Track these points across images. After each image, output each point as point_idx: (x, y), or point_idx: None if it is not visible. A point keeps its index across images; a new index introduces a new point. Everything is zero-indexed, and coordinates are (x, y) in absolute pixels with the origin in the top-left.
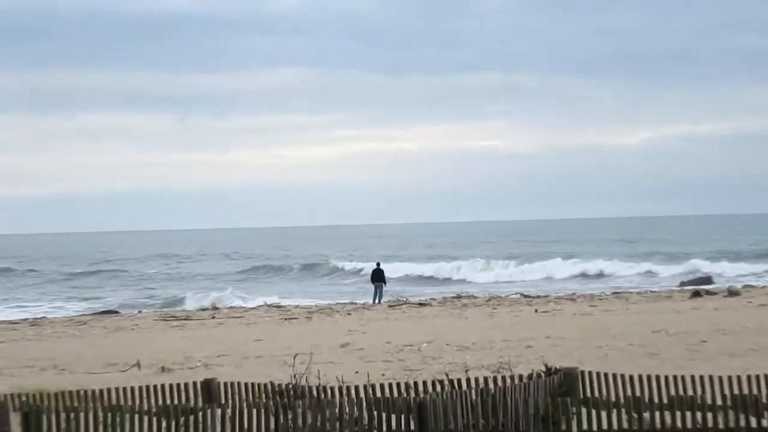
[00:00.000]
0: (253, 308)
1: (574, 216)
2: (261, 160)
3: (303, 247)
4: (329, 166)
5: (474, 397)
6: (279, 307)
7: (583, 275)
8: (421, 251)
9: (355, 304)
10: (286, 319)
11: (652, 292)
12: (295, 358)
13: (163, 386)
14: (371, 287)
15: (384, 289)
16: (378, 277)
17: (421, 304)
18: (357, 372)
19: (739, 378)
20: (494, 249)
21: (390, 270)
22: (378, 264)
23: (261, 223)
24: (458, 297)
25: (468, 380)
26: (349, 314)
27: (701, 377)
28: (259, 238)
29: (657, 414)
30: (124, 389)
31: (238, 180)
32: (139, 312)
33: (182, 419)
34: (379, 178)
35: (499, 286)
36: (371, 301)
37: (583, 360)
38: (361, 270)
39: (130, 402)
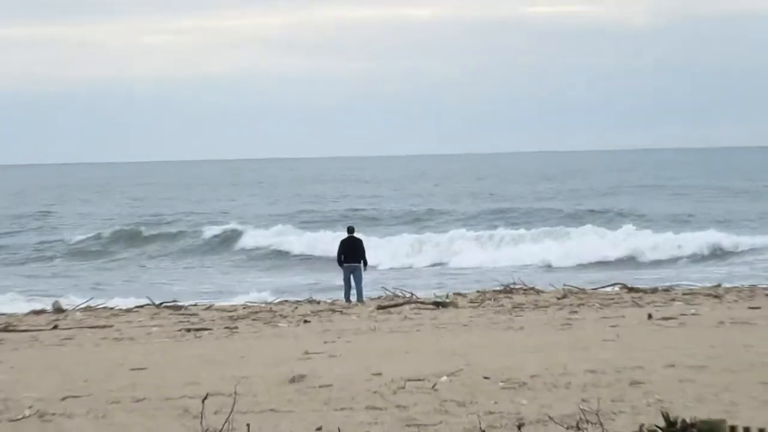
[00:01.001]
0: (130, 310)
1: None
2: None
3: (213, 193)
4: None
5: None
6: (177, 308)
7: (695, 253)
8: (401, 203)
9: (317, 302)
10: (189, 330)
11: None
12: (205, 402)
13: None
14: (338, 273)
15: (363, 273)
16: (352, 252)
17: (438, 304)
18: (320, 430)
19: None
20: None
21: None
22: (350, 230)
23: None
24: (506, 291)
25: None
26: (306, 321)
27: None
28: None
29: None
30: None
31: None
32: None
33: None
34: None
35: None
36: (345, 298)
37: (737, 407)
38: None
39: None
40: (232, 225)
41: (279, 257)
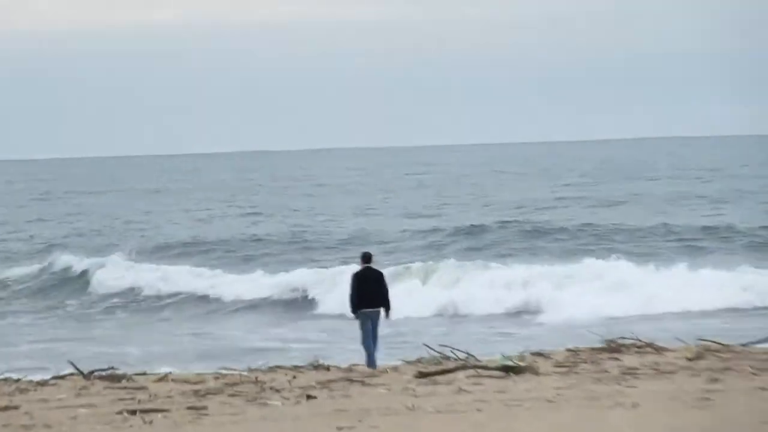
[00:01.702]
0: (44, 382)
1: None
2: None
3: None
4: None
5: None
6: (115, 378)
7: None
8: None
9: (325, 368)
10: (135, 412)
11: None
12: None
13: None
14: (349, 326)
15: (381, 323)
16: (372, 291)
17: (508, 370)
18: None
19: None
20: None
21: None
22: (366, 259)
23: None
24: (611, 348)
25: None
26: (311, 397)
27: None
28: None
29: None
30: None
31: None
32: None
33: None
34: None
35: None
36: (368, 361)
37: None
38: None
39: None
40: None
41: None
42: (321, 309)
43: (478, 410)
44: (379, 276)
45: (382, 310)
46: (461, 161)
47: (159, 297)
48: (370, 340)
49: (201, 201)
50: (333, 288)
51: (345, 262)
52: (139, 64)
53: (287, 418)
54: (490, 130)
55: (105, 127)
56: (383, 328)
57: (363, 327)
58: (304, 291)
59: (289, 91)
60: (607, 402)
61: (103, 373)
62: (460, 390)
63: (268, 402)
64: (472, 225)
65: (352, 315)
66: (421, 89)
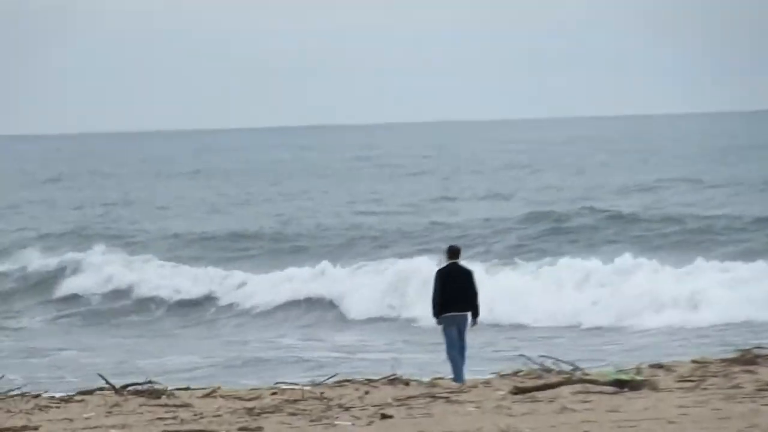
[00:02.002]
0: (69, 398)
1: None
2: None
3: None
4: None
5: None
6: (154, 393)
7: None
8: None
9: (404, 383)
10: None
11: None
12: None
13: None
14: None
15: (468, 327)
16: (459, 292)
17: (621, 384)
18: None
19: None
20: None
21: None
22: (453, 253)
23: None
24: (745, 359)
25: None
26: (386, 417)
27: None
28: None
29: None
30: None
31: None
32: None
33: None
34: None
35: None
36: (455, 374)
37: None
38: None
39: None
40: None
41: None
42: (398, 312)
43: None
44: (467, 274)
45: (469, 315)
46: (547, 137)
47: (178, 299)
48: (456, 349)
49: (252, 185)
50: (405, 286)
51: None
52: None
53: None
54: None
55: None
56: (470, 336)
57: (447, 334)
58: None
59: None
60: (740, 423)
61: (139, 388)
62: (564, 409)
63: (336, 422)
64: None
65: (434, 320)
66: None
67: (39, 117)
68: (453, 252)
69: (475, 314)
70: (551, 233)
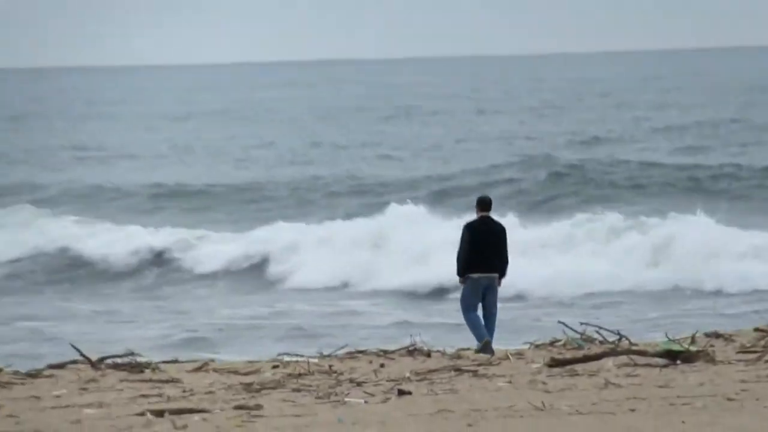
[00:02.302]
0: (38, 373)
1: None
2: None
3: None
4: None
5: None
6: (136, 367)
7: None
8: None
9: (425, 353)
10: (163, 413)
11: None
12: None
13: None
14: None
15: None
16: (489, 250)
17: (673, 356)
18: None
19: None
20: None
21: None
22: (484, 205)
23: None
24: None
25: None
26: (404, 393)
27: None
28: None
29: None
30: None
31: None
32: None
33: None
34: None
35: None
36: (479, 343)
37: None
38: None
39: None
40: None
41: None
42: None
43: (632, 410)
44: (500, 231)
45: (496, 281)
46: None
47: (125, 262)
48: (475, 313)
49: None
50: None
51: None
52: None
53: (372, 420)
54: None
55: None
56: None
57: (470, 296)
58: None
59: None
60: None
61: (119, 361)
62: (608, 384)
63: (347, 399)
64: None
65: (457, 278)
66: None
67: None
68: (483, 204)
69: (503, 275)
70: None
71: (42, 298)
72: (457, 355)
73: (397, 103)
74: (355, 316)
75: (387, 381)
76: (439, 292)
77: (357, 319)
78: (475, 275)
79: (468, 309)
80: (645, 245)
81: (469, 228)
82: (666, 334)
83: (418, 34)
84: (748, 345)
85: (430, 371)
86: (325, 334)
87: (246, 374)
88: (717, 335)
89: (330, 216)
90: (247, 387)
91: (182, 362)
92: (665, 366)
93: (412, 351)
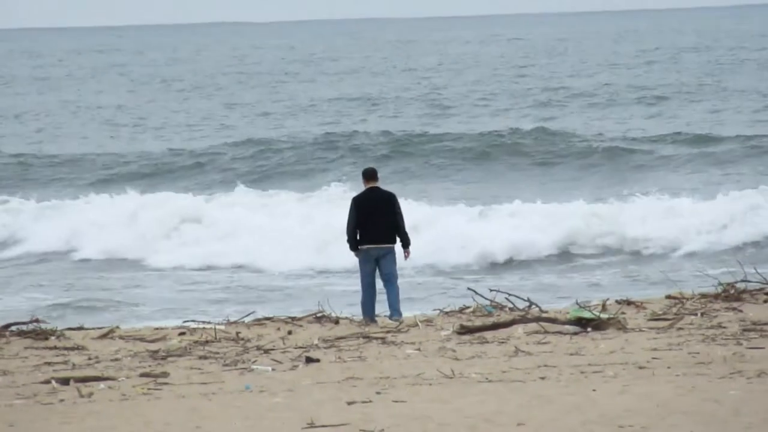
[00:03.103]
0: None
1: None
2: None
3: None
4: None
5: None
6: (41, 334)
7: None
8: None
9: (333, 320)
10: (68, 381)
11: None
12: None
13: None
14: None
15: (396, 261)
16: (376, 220)
17: (584, 323)
18: None
19: None
20: None
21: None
22: (369, 176)
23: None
24: (727, 295)
25: None
26: (312, 360)
27: None
28: None
29: None
30: None
31: None
32: None
33: None
34: None
35: None
36: (364, 312)
37: None
38: None
39: None
40: None
41: None
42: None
43: (542, 378)
44: (389, 199)
45: (396, 247)
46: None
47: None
48: (371, 289)
49: None
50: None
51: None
52: None
53: (279, 388)
54: None
55: None
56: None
57: (363, 269)
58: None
59: None
60: (722, 369)
61: (24, 328)
62: (518, 351)
63: (254, 367)
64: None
65: (351, 253)
66: None
67: None
68: (369, 175)
69: (406, 243)
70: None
71: None
72: (364, 322)
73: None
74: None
75: (295, 348)
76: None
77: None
78: (365, 247)
79: (363, 283)
80: None
81: (355, 201)
82: (576, 301)
83: None
84: (660, 312)
85: (339, 338)
86: None
87: (152, 341)
88: (628, 302)
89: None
90: (153, 354)
91: (88, 329)
92: (576, 333)
93: (320, 318)
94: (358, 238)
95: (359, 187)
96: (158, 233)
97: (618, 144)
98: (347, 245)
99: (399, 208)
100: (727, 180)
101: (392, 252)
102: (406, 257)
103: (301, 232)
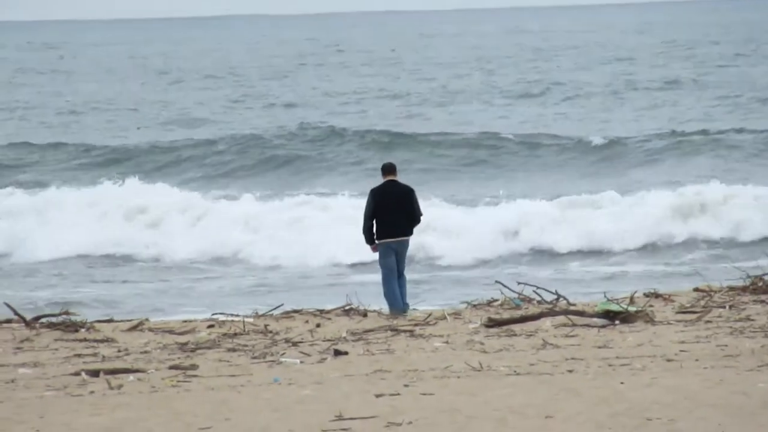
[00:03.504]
0: None
1: None
2: None
3: None
4: None
5: None
6: (71, 326)
7: None
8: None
9: (361, 313)
10: (98, 373)
11: None
12: None
13: None
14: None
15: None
16: (397, 214)
17: (612, 317)
18: None
19: None
20: None
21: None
22: (388, 170)
23: None
24: (756, 288)
25: None
26: (340, 353)
27: None
28: None
29: None
30: None
31: None
32: None
33: None
34: None
35: None
36: (390, 304)
37: None
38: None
39: None
40: None
41: None
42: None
43: (570, 371)
44: (407, 193)
45: (410, 240)
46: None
47: None
48: (394, 280)
49: None
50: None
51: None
52: None
53: (308, 380)
54: None
55: None
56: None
57: (384, 263)
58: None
59: None
60: (750, 362)
61: (54, 320)
62: (546, 344)
63: (282, 360)
64: None
65: (368, 246)
66: None
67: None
68: (388, 169)
69: (410, 230)
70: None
71: None
72: (393, 316)
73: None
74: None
75: (323, 341)
76: None
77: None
78: (385, 240)
79: (386, 277)
80: None
81: (374, 193)
82: (604, 294)
83: None
84: (688, 305)
85: (367, 331)
86: None
87: (181, 334)
88: (656, 295)
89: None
90: (182, 347)
91: (117, 321)
92: (603, 326)
93: (348, 311)
94: (375, 230)
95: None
96: (178, 226)
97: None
98: (363, 236)
99: (417, 201)
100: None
101: (408, 245)
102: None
103: (328, 224)
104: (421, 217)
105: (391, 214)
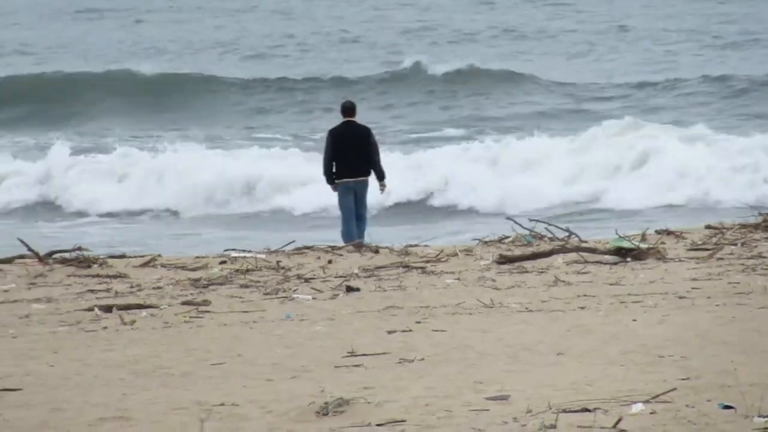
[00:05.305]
0: None
1: None
2: None
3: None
4: None
5: None
6: (84, 262)
7: None
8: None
9: (372, 250)
10: (111, 309)
11: None
12: None
13: None
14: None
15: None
16: (353, 158)
17: (623, 253)
18: None
19: None
20: None
21: None
22: (347, 111)
23: None
24: None
25: None
26: (352, 289)
27: None
28: None
29: None
30: None
31: None
32: None
33: None
34: None
35: None
36: (345, 238)
37: None
38: None
39: None
40: None
41: None
42: None
43: (582, 308)
44: (364, 133)
45: (370, 180)
46: None
47: None
48: (353, 222)
49: None
50: None
51: None
52: None
53: (320, 316)
54: None
55: None
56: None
57: (343, 203)
58: None
59: None
60: (762, 299)
61: (67, 256)
62: (557, 281)
63: (294, 296)
64: None
65: (328, 186)
66: None
67: None
68: (347, 109)
69: (381, 176)
70: None
71: None
72: (406, 252)
73: None
74: None
75: (335, 277)
76: None
77: None
78: (343, 180)
79: (345, 217)
80: None
81: (331, 134)
82: (616, 231)
83: None
84: (699, 242)
85: (378, 268)
86: None
87: (193, 270)
88: (668, 232)
89: None
90: (195, 282)
91: (130, 257)
92: (615, 263)
93: (359, 247)
94: (334, 170)
95: None
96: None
97: None
98: (323, 178)
99: (375, 141)
100: None
101: (367, 186)
102: (381, 190)
103: None
104: (380, 159)
105: (349, 155)
